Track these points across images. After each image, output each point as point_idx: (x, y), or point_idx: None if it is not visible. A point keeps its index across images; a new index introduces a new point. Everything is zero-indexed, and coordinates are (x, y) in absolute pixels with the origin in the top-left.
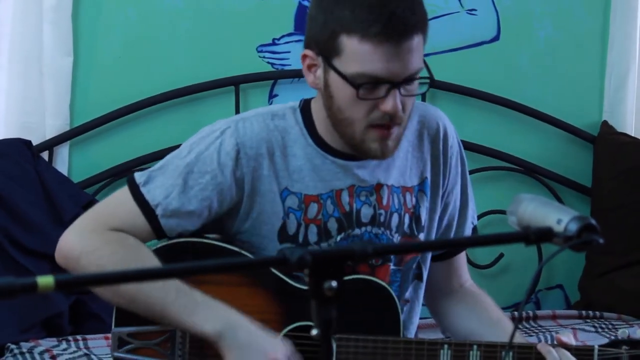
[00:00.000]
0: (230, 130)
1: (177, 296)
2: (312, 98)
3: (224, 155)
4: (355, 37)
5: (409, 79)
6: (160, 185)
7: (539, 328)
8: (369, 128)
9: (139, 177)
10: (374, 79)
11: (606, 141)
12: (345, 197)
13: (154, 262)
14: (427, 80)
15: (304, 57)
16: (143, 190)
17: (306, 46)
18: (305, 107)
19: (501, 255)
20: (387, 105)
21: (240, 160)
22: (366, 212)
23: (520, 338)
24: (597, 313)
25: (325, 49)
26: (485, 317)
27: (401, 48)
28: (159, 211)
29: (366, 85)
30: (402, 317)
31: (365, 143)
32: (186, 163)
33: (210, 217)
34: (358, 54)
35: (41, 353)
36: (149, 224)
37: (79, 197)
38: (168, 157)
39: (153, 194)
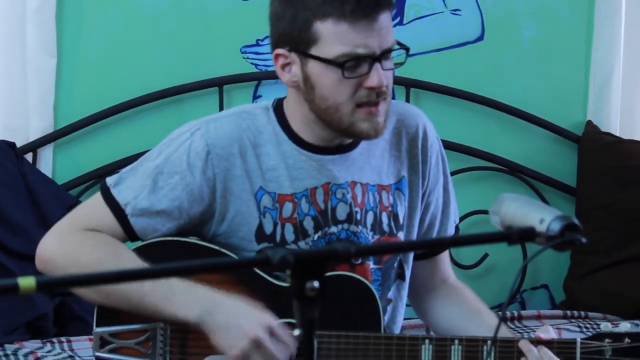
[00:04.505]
0: (200, 132)
1: (154, 286)
2: (284, 97)
3: (193, 156)
4: (329, 19)
5: (387, 52)
6: (130, 186)
7: (524, 328)
8: (356, 109)
9: (110, 179)
10: (355, 56)
11: (591, 141)
12: (320, 196)
13: (131, 258)
14: (405, 50)
15: (277, 56)
16: (113, 191)
17: (275, 46)
18: (278, 106)
19: (486, 255)
20: (372, 80)
21: (211, 161)
22: (342, 210)
23: (505, 330)
24: (582, 313)
25: (300, 42)
26: (467, 310)
27: (376, 22)
28: (128, 210)
29: (349, 64)
30: (385, 317)
31: (355, 125)
32: (156, 164)
33: (182, 219)
34: (335, 36)
35: (25, 355)
36: (119, 224)
37: (64, 198)
38: (139, 159)
39: (123, 194)
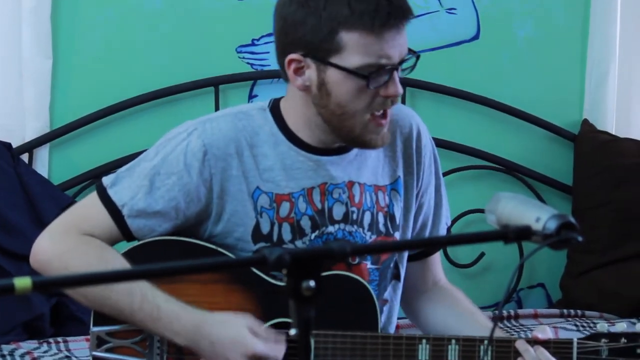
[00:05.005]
0: (197, 132)
1: (142, 304)
2: (280, 98)
3: (190, 157)
4: (356, 31)
5: (404, 61)
6: (127, 186)
7: (521, 327)
8: (369, 119)
9: (106, 180)
10: (378, 67)
11: (587, 139)
12: (317, 195)
13: (122, 264)
14: (416, 57)
15: (290, 62)
16: (110, 192)
17: (288, 51)
18: (274, 107)
19: (482, 255)
20: (392, 89)
21: (208, 162)
22: (338, 210)
23: (499, 333)
24: (579, 312)
25: (320, 50)
26: (458, 311)
27: (400, 33)
28: (125, 211)
29: (372, 74)
30: (382, 317)
31: (365, 135)
32: (153, 165)
33: (179, 219)
34: (361, 47)
35: (22, 355)
36: (116, 224)
37: (60, 199)
38: (136, 159)
39: (120, 195)
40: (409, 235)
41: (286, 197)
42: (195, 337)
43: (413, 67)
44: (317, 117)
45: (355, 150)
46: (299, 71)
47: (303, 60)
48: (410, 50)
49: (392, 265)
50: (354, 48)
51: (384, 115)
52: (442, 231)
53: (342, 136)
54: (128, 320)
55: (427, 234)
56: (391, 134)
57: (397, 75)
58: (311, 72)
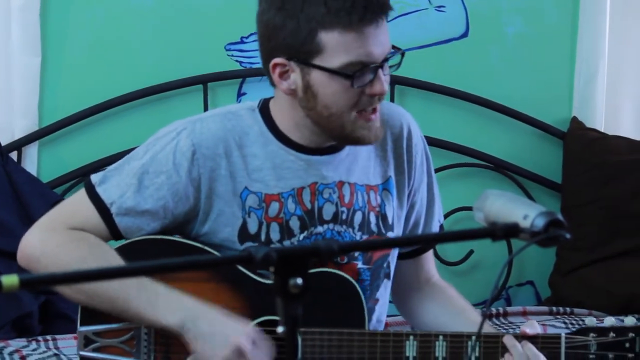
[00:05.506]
0: (187, 132)
1: (139, 291)
2: (270, 98)
3: (179, 156)
4: (335, 30)
5: (387, 58)
6: (116, 185)
7: (510, 324)
8: (358, 116)
9: (95, 177)
10: (362, 65)
11: (576, 137)
12: (306, 195)
13: (114, 258)
14: (401, 54)
15: (274, 66)
16: (99, 189)
17: (271, 56)
18: (264, 107)
19: (471, 252)
20: (377, 87)
21: (197, 161)
22: (328, 210)
23: (488, 328)
24: (568, 309)
25: (302, 52)
26: (451, 309)
27: (380, 29)
28: (113, 209)
29: (357, 73)
30: (374, 316)
31: (356, 132)
32: (142, 164)
33: (167, 218)
34: (342, 46)
35: (11, 353)
36: (104, 222)
37: (49, 196)
38: (125, 158)
39: (108, 193)
40: (400, 234)
41: (275, 197)
42: (193, 315)
43: (399, 64)
44: (305, 119)
45: (346, 150)
46: (283, 75)
47: (287, 64)
48: (394, 47)
49: (385, 265)
50: (335, 47)
51: (373, 111)
52: (435, 228)
53: (333, 136)
54: (120, 310)
55: (419, 231)
56: None
57: (381, 74)
58: (296, 76)
